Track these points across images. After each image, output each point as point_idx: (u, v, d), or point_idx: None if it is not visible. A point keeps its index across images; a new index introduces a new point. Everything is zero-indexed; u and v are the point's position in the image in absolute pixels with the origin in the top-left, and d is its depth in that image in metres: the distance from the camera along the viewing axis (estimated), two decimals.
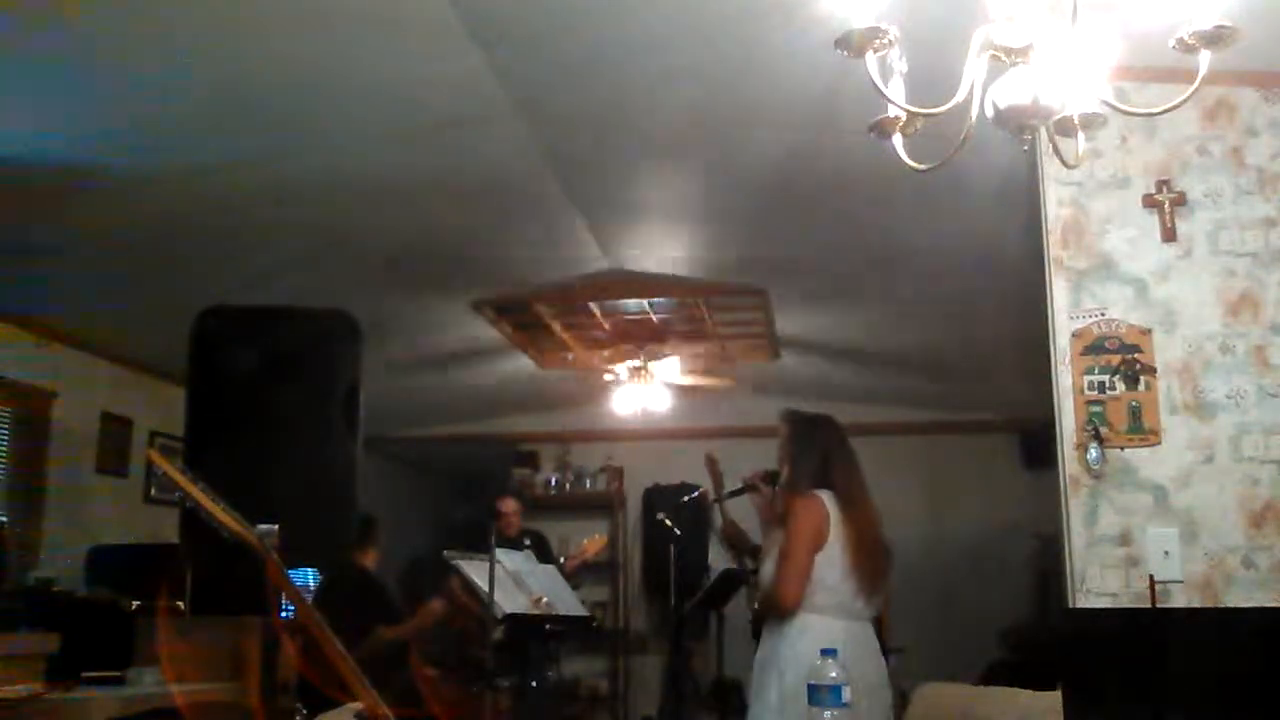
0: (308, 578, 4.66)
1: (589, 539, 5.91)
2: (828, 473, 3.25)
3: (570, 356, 6.86)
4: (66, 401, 5.40)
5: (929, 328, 5.97)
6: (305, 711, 3.15)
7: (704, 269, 5.50)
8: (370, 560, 5.06)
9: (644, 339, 6.53)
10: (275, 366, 2.56)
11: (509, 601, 4.46)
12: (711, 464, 4.86)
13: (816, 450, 3.29)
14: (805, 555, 3.12)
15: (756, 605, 3.76)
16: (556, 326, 6.31)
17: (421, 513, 8.19)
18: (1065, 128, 1.89)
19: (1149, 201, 2.96)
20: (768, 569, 3.24)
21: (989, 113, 1.73)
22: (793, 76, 3.13)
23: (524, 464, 8.39)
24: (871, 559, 3.17)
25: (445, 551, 4.61)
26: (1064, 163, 1.96)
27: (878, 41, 1.66)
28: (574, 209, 4.53)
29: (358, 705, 1.83)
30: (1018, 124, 1.72)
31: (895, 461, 7.43)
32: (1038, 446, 6.68)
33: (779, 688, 3.09)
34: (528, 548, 5.45)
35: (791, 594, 3.12)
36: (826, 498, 3.19)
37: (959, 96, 1.75)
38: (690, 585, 6.14)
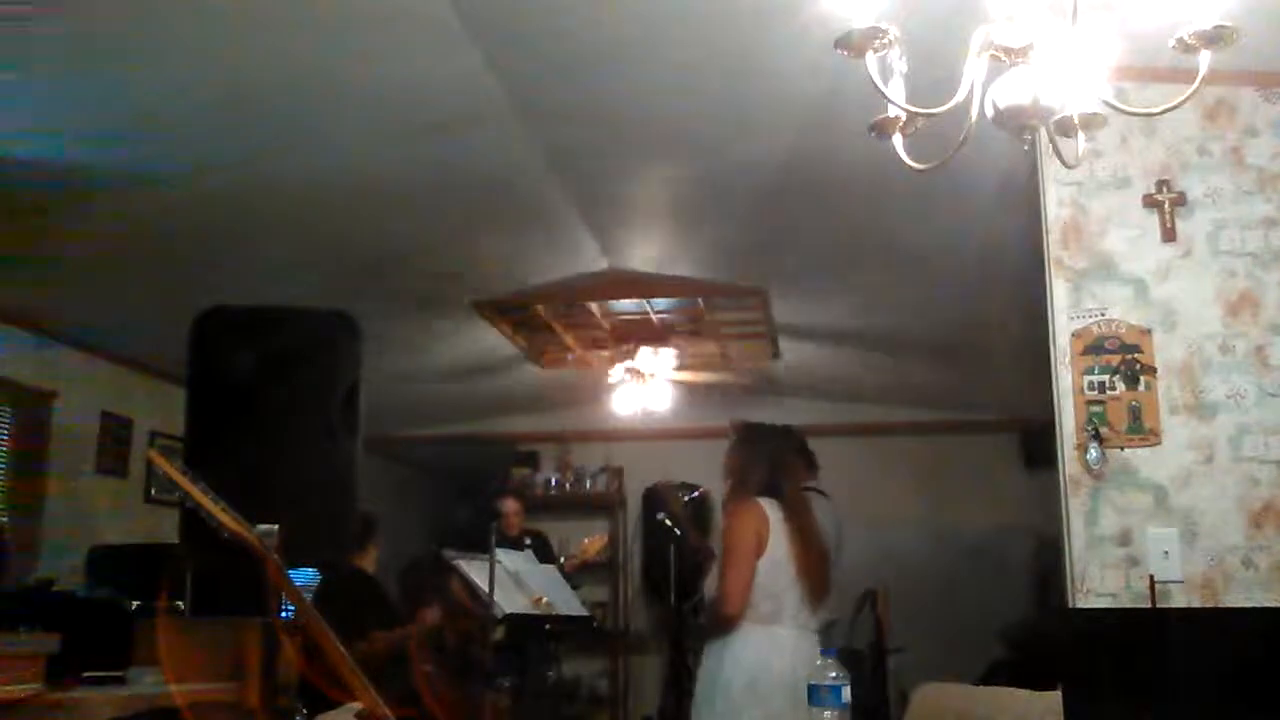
0: (308, 578, 4.66)
1: (589, 539, 5.90)
2: (775, 482, 3.23)
3: (570, 356, 6.85)
4: (66, 401, 5.40)
5: (929, 328, 5.97)
6: (305, 711, 3.15)
7: (704, 269, 5.50)
8: (370, 560, 5.05)
9: (644, 339, 6.53)
10: (275, 366, 2.56)
11: (509, 601, 4.46)
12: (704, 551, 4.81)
13: (762, 460, 3.28)
14: (744, 561, 3.09)
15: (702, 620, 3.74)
16: (556, 326, 6.31)
17: (421, 513, 8.18)
18: (1065, 128, 1.89)
19: (1149, 201, 2.96)
20: (710, 583, 3.22)
21: (989, 113, 1.73)
22: (793, 77, 3.13)
23: (524, 464, 8.38)
24: (818, 567, 3.16)
25: (445, 551, 4.61)
26: (1064, 163, 1.96)
27: (878, 41, 1.66)
28: (574, 209, 4.53)
29: (358, 705, 1.83)
30: (1018, 124, 1.72)
31: (896, 461, 7.46)
32: (1038, 446, 6.67)
33: (726, 700, 3.06)
34: (529, 547, 5.44)
35: (733, 600, 3.09)
36: (768, 505, 3.18)
37: (959, 96, 1.75)
38: (690, 585, 6.12)
